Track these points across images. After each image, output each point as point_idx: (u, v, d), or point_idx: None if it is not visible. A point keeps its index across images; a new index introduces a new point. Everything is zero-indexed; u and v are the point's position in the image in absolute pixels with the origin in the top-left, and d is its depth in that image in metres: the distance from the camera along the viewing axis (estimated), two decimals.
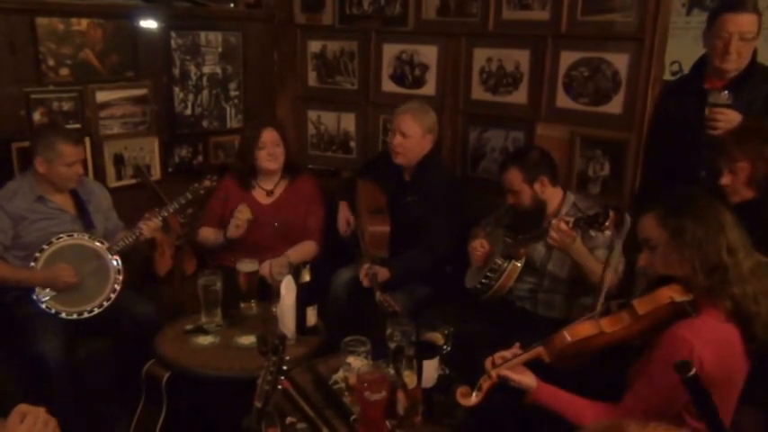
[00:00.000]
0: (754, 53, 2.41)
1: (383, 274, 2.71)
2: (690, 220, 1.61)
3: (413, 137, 2.86)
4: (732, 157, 2.03)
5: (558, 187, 2.57)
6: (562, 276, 2.49)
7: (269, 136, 2.96)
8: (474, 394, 1.79)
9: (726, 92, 2.29)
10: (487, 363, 1.85)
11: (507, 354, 1.86)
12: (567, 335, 1.75)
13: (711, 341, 1.55)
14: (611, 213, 2.10)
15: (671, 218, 1.64)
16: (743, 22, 2.33)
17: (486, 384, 1.80)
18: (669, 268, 1.66)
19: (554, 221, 2.27)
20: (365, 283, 2.69)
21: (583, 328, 1.74)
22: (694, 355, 1.52)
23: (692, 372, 1.27)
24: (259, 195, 3.05)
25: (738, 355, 1.61)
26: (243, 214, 2.82)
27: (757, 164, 1.99)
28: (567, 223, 2.22)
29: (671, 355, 1.55)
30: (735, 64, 2.37)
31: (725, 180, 2.03)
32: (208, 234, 3.03)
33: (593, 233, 2.24)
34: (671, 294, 1.62)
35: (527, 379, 1.76)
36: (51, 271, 2.52)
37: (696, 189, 1.85)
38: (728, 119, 2.26)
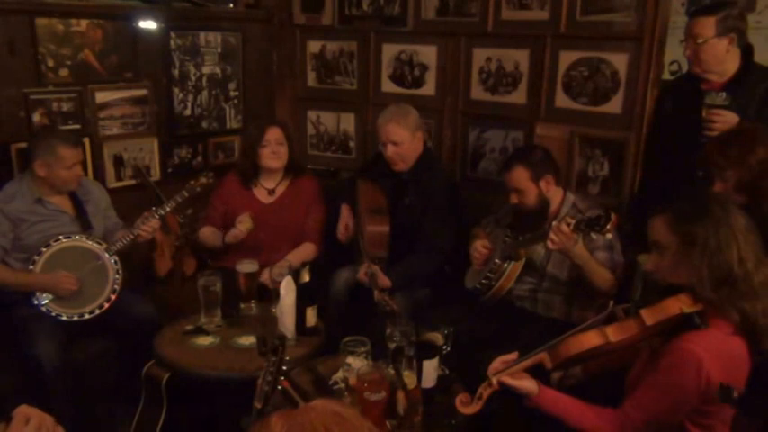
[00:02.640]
0: (749, 53, 2.41)
1: (384, 282, 2.70)
2: (702, 227, 1.56)
3: (404, 142, 2.84)
4: (718, 165, 2.03)
5: (559, 187, 2.57)
6: (562, 277, 2.48)
7: (273, 134, 2.97)
8: (474, 402, 1.79)
9: (723, 93, 2.29)
10: (489, 369, 1.83)
11: (509, 359, 1.85)
12: (573, 345, 1.71)
13: (719, 355, 1.53)
14: (613, 216, 2.09)
15: (682, 223, 1.59)
16: (693, 25, 2.36)
17: (486, 392, 1.79)
18: (677, 276, 1.62)
19: (554, 223, 2.25)
20: (364, 281, 2.69)
21: (588, 339, 1.69)
22: (702, 370, 1.51)
23: (736, 395, 1.30)
24: (260, 194, 3.05)
25: (744, 368, 1.59)
26: (244, 225, 2.82)
27: (742, 171, 1.98)
28: (568, 226, 2.21)
29: (678, 368, 1.54)
30: (698, 68, 2.40)
31: (717, 188, 2.02)
32: (208, 234, 3.03)
33: (594, 236, 2.23)
34: (680, 305, 1.58)
35: (528, 384, 1.75)
36: (52, 277, 2.52)
37: (711, 192, 1.82)
38: (725, 120, 2.26)
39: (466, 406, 1.79)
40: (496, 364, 1.85)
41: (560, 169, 2.64)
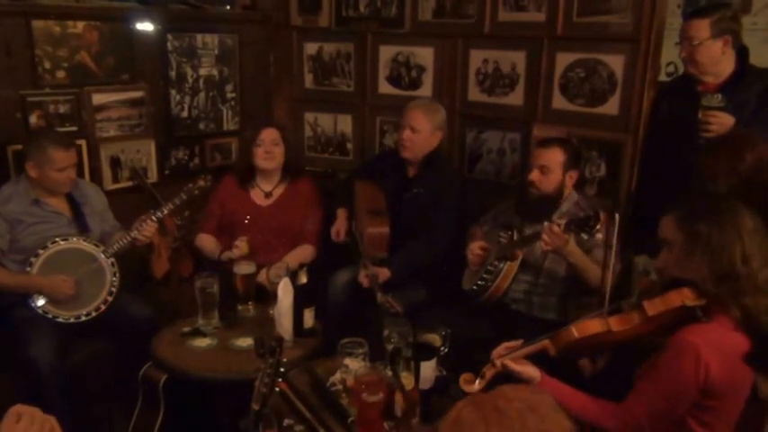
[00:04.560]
0: (744, 55, 2.41)
1: (384, 274, 2.71)
2: (706, 224, 1.59)
3: (422, 132, 2.87)
4: (709, 173, 2.05)
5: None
6: (560, 274, 2.49)
7: (268, 134, 2.98)
8: (477, 381, 1.82)
9: (719, 94, 2.30)
10: (494, 353, 1.87)
11: (513, 345, 1.88)
12: (575, 330, 1.75)
13: (719, 348, 1.55)
14: (602, 216, 2.11)
15: (688, 221, 1.63)
16: (688, 27, 2.39)
17: (489, 372, 1.83)
18: (682, 271, 1.65)
19: (546, 224, 2.27)
20: (365, 284, 2.69)
21: (591, 325, 1.75)
22: (701, 361, 1.52)
23: None
24: (257, 196, 3.06)
25: (745, 364, 1.61)
26: (239, 250, 2.83)
27: (732, 178, 1.99)
28: (558, 226, 2.23)
29: (677, 359, 1.56)
30: (693, 70, 2.42)
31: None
32: (205, 243, 3.03)
33: (585, 236, 2.25)
34: (682, 298, 1.61)
35: (530, 371, 1.78)
36: (50, 280, 2.51)
37: (720, 193, 1.84)
38: (722, 122, 2.27)
39: (469, 385, 1.82)
40: (500, 349, 1.88)
41: None
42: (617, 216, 1.97)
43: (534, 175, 2.52)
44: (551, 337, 1.81)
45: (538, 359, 1.83)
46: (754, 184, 1.97)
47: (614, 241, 1.97)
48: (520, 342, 1.88)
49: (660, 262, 1.73)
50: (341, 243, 3.02)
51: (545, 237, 2.26)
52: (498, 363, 1.82)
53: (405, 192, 2.95)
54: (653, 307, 1.65)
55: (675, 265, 1.67)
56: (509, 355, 1.84)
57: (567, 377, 1.80)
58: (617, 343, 1.76)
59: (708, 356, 1.53)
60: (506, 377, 1.81)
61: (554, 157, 2.50)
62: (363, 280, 2.70)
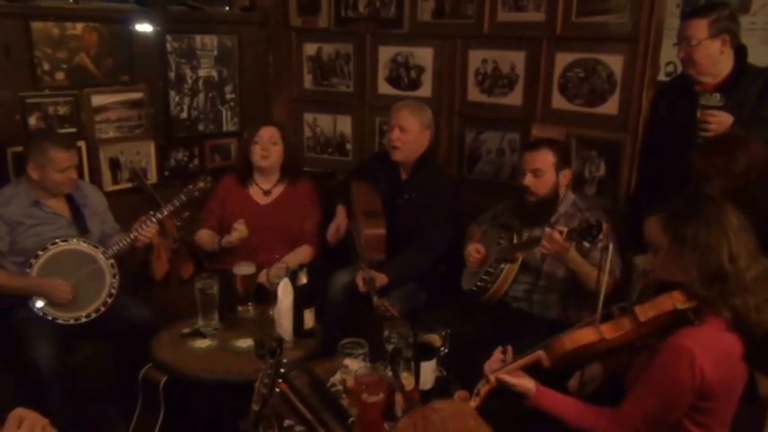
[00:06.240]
0: (742, 54, 2.42)
1: (381, 279, 2.70)
2: (692, 226, 1.58)
3: (411, 131, 2.87)
4: (703, 174, 2.04)
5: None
6: (559, 275, 2.49)
7: (266, 132, 2.99)
8: (472, 399, 1.80)
9: (717, 94, 2.30)
10: (486, 367, 1.85)
11: (506, 357, 1.86)
12: (568, 341, 1.73)
13: (713, 351, 1.55)
14: (605, 226, 2.10)
15: (674, 223, 1.62)
16: (686, 27, 2.39)
17: (484, 389, 1.81)
18: (670, 274, 1.64)
19: (547, 230, 2.27)
20: (361, 286, 2.69)
21: (583, 335, 1.72)
22: (695, 365, 1.52)
23: None
24: (256, 195, 3.06)
25: (738, 364, 1.60)
26: (238, 232, 2.82)
27: (727, 179, 1.99)
28: (560, 234, 2.22)
29: (672, 364, 1.56)
30: (692, 70, 2.42)
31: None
32: (204, 237, 3.03)
33: (586, 245, 2.24)
34: (673, 302, 1.60)
35: (526, 383, 1.76)
36: (48, 282, 2.51)
37: (703, 193, 1.84)
38: (720, 121, 2.27)
39: (464, 403, 1.80)
40: (493, 363, 1.87)
41: None
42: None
43: (528, 180, 2.50)
44: (545, 347, 1.79)
45: (533, 371, 1.81)
46: (746, 184, 1.97)
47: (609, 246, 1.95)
48: (509, 350, 1.87)
49: (647, 265, 1.72)
50: (340, 240, 3.00)
51: (545, 243, 2.25)
52: (492, 378, 1.80)
53: (398, 196, 2.95)
54: (644, 312, 1.63)
55: (663, 268, 1.66)
56: (503, 369, 1.82)
57: (562, 387, 1.80)
58: (611, 350, 1.75)
59: (702, 359, 1.52)
60: (501, 390, 1.80)
61: (545, 159, 2.49)
62: (360, 282, 2.70)
